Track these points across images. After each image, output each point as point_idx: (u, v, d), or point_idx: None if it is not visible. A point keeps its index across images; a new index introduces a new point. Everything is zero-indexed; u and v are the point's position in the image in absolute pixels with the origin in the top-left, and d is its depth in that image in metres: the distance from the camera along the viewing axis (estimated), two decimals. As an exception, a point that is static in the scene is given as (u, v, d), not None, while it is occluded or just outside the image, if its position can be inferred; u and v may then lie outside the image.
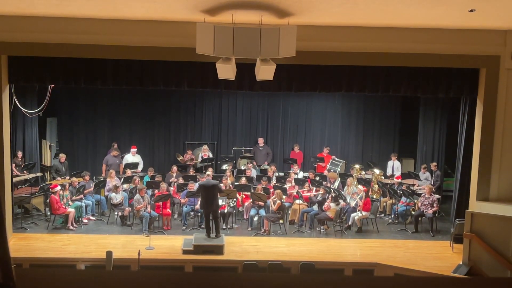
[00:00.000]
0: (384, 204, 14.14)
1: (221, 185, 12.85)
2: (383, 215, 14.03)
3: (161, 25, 11.03)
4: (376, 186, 14.37)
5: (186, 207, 13.00)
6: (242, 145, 16.51)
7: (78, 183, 13.52)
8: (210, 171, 13.66)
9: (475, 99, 12.09)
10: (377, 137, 16.76)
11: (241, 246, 11.82)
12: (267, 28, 9.07)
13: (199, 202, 12.80)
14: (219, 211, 12.28)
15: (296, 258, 11.22)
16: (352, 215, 12.90)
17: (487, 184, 11.78)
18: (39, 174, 14.73)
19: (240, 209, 13.63)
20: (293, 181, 13.94)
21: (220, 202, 12.49)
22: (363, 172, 14.97)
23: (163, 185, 13.14)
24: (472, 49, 11.35)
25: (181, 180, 13.76)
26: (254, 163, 15.60)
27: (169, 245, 11.75)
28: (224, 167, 15.26)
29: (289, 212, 13.28)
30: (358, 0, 8.31)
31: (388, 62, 11.53)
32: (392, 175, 15.06)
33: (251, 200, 13.04)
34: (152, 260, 10.93)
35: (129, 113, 16.34)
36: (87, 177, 13.96)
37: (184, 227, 12.81)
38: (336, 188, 13.63)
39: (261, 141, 16.10)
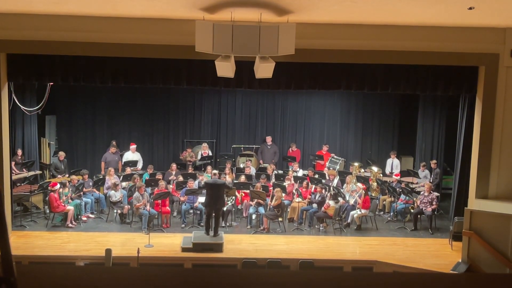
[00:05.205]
0: (383, 202, 14.15)
1: (229, 183, 12.88)
2: (382, 213, 14.05)
3: (160, 23, 11.01)
4: (375, 184, 14.38)
5: (185, 205, 12.99)
6: (241, 143, 16.49)
7: (78, 181, 13.51)
8: (210, 169, 13.60)
9: (474, 97, 12.09)
10: (376, 135, 16.76)
11: (240, 244, 11.83)
12: (266, 26, 9.07)
13: (199, 200, 12.82)
14: (221, 210, 12.27)
15: (295, 256, 11.24)
16: (351, 213, 12.91)
17: (486, 181, 11.77)
18: (38, 172, 14.72)
19: (239, 207, 13.63)
20: (292, 179, 13.93)
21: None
22: (362, 170, 14.98)
23: (162, 183, 13.13)
24: (471, 47, 11.35)
25: (180, 178, 13.75)
26: (261, 161, 15.57)
27: (168, 243, 11.77)
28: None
29: (288, 210, 13.29)
30: (357, -2, 8.29)
31: (387, 60, 11.53)
32: (391, 173, 15.07)
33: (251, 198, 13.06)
34: (151, 258, 10.94)
35: (128, 111, 16.31)
36: (86, 176, 13.95)
37: (183, 225, 12.81)
38: (335, 186, 13.63)
39: (269, 139, 16.00)
